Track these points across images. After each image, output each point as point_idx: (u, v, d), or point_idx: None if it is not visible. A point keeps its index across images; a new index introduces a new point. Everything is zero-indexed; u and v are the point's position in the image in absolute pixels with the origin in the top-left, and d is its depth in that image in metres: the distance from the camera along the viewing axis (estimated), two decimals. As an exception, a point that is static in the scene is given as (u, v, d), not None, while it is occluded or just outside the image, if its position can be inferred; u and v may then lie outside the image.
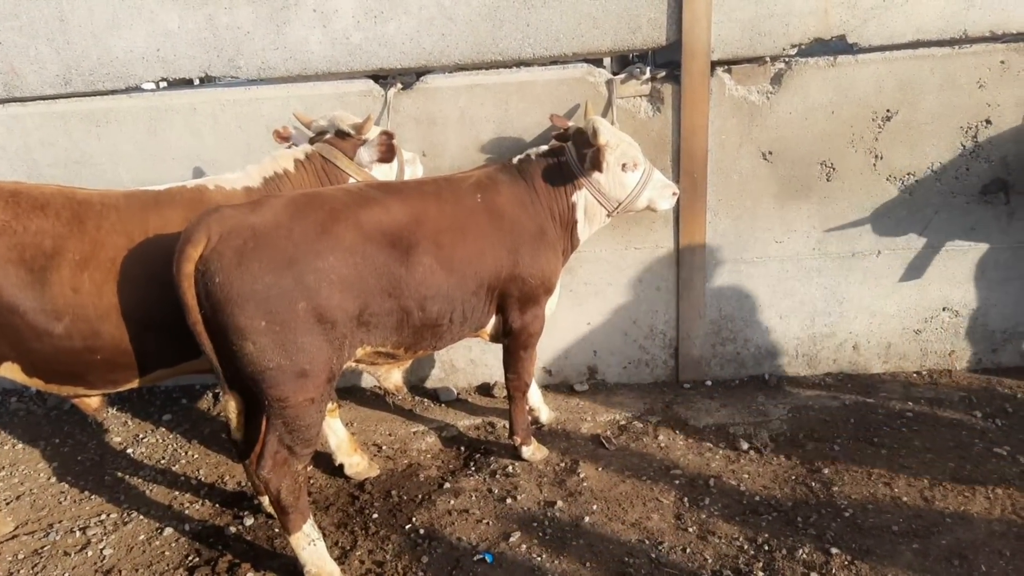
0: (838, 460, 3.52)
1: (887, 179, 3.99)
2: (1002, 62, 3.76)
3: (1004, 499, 3.15)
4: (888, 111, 3.86)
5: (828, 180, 4.00)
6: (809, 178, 4.01)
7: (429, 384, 4.56)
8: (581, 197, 3.43)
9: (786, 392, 4.24)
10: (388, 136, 3.29)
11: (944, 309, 4.23)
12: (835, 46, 3.79)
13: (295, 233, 2.63)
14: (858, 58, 3.79)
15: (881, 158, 3.95)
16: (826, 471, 3.44)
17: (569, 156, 3.39)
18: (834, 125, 3.90)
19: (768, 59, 3.83)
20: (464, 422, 4.13)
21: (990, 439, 3.61)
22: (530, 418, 3.86)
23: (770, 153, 3.97)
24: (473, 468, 3.66)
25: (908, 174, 3.97)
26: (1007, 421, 3.76)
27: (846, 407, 4.02)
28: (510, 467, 3.63)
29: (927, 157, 3.94)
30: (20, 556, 3.20)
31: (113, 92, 4.08)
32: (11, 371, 2.84)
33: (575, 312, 4.33)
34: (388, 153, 3.30)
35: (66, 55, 3.98)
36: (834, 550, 2.90)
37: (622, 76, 3.90)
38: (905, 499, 3.20)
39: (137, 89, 4.11)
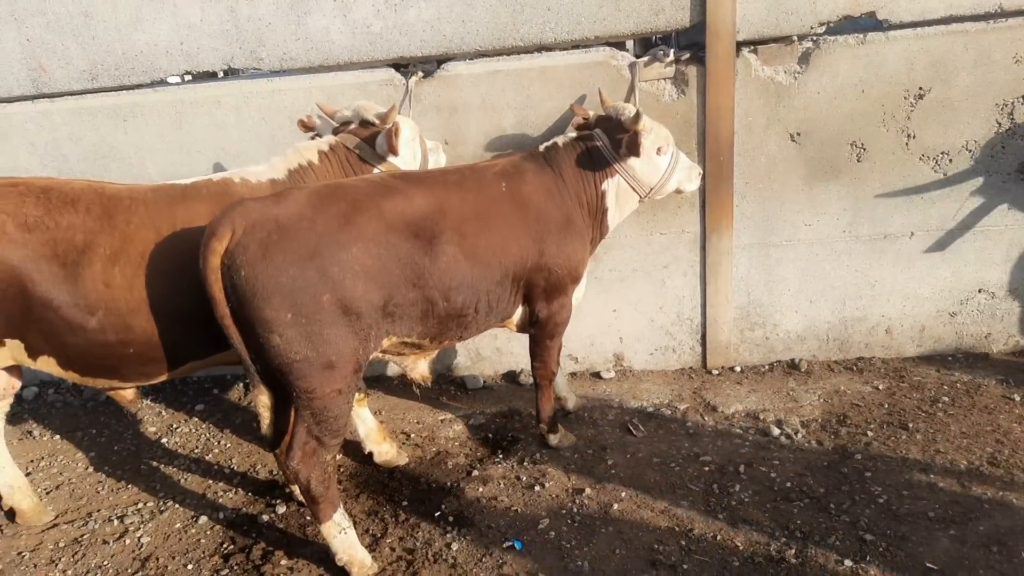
0: (871, 446, 3.47)
1: (920, 159, 3.89)
2: (1040, 35, 3.63)
3: (1044, 485, 3.08)
4: (920, 89, 3.76)
5: (859, 161, 3.92)
6: (839, 159, 3.92)
7: (456, 372, 4.58)
8: (613, 184, 3.39)
9: (817, 377, 4.18)
10: (394, 128, 3.25)
11: (980, 291, 4.13)
12: (865, 23, 3.70)
13: (318, 225, 2.64)
14: (888, 35, 3.69)
15: (914, 137, 3.85)
16: (859, 457, 3.38)
17: (601, 142, 3.35)
18: (864, 104, 3.81)
19: (795, 38, 3.74)
20: (491, 410, 4.13)
21: (1029, 423, 3.53)
22: (557, 406, 3.86)
23: (798, 134, 3.89)
24: (501, 456, 3.66)
25: (942, 153, 3.87)
26: (1046, 404, 3.67)
27: (879, 392, 3.95)
28: (537, 455, 3.63)
29: (961, 135, 3.83)
30: (61, 544, 3.27)
31: (139, 86, 4.13)
32: (48, 364, 2.89)
33: (601, 299, 4.30)
34: (392, 145, 3.26)
35: (92, 50, 4.03)
36: (868, 536, 2.86)
37: (645, 59, 3.84)
38: (941, 485, 3.14)
39: (162, 83, 4.16)
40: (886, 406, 3.79)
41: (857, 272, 4.13)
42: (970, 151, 3.86)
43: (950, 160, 3.88)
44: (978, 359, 4.20)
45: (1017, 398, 3.75)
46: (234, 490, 3.58)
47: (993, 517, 2.92)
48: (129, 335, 2.84)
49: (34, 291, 2.70)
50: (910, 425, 3.60)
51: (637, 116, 3.20)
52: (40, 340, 2.81)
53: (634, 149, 3.26)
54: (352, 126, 3.38)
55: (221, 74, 4.22)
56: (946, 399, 3.81)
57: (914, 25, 3.68)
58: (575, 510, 3.20)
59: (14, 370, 3.10)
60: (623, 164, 3.34)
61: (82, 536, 3.32)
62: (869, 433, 3.57)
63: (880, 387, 3.99)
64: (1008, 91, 3.74)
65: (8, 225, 2.69)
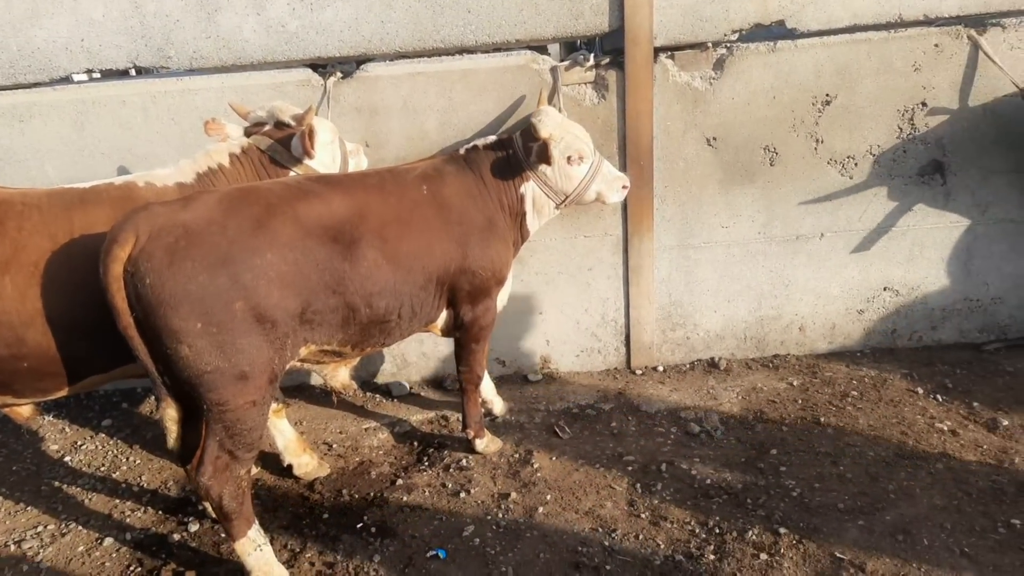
0: (786, 441, 3.58)
1: (828, 163, 4.06)
2: (936, 45, 3.84)
3: (945, 474, 3.24)
4: (827, 95, 3.92)
5: (771, 165, 4.05)
6: (753, 163, 4.05)
7: (380, 379, 4.49)
8: (529, 189, 3.39)
9: (736, 375, 4.30)
10: (309, 130, 3.15)
11: (885, 289, 4.33)
12: (775, 31, 3.82)
13: (229, 229, 2.54)
14: (797, 43, 3.84)
15: (822, 142, 4.01)
16: (774, 452, 3.49)
17: (516, 148, 3.35)
18: (776, 110, 3.94)
19: (710, 45, 3.84)
20: (417, 417, 4.08)
21: (932, 415, 3.71)
22: (484, 410, 3.83)
23: (714, 139, 4.00)
24: (426, 463, 3.61)
25: (848, 157, 4.04)
26: (948, 397, 3.87)
27: (793, 388, 4.09)
28: (464, 460, 3.60)
29: (866, 140, 4.01)
30: (-50, 574, 3.05)
31: (36, 85, 3.89)
32: (-69, 381, 2.69)
33: (527, 302, 4.30)
34: (307, 148, 3.16)
35: (-17, 47, 3.77)
36: (782, 530, 2.95)
37: (566, 63, 3.87)
38: (850, 476, 3.27)
39: (63, 82, 3.92)
40: (800, 402, 3.93)
41: (772, 272, 4.27)
42: (874, 155, 4.04)
43: (856, 164, 4.05)
44: (884, 354, 4.40)
45: (920, 391, 3.95)
46: (143, 509, 3.41)
47: (899, 507, 3.05)
48: (22, 349, 2.66)
49: (-86, 303, 2.50)
50: (822, 419, 3.73)
51: (538, 125, 3.20)
52: (-78, 355, 2.60)
53: (543, 157, 3.25)
54: (266, 127, 3.27)
55: (133, 72, 4.01)
56: (855, 393, 3.98)
57: (821, 34, 3.83)
58: (500, 516, 3.18)
59: None
60: (535, 171, 3.35)
61: (-25, 564, 3.10)
62: (784, 428, 3.69)
63: (794, 383, 4.13)
64: (908, 98, 3.94)
65: None
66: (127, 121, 3.90)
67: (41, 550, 3.16)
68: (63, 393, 2.90)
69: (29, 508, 3.47)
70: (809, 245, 4.22)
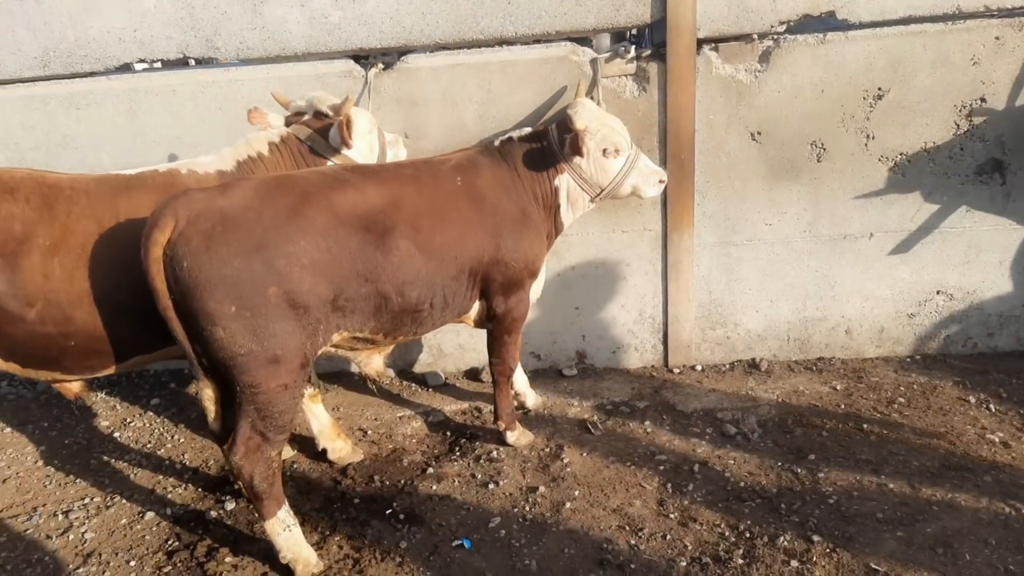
0: (826, 446, 3.47)
1: (879, 159, 3.91)
2: (997, 38, 3.65)
3: (993, 487, 3.09)
4: (880, 89, 3.77)
5: (819, 161, 3.92)
6: (799, 159, 3.93)
7: (417, 369, 4.54)
8: (563, 181, 3.36)
9: (776, 377, 4.19)
10: (347, 120, 3.19)
11: (939, 292, 4.16)
12: (825, 22, 3.69)
13: (265, 216, 2.59)
14: (848, 35, 3.70)
15: (873, 138, 3.86)
16: (812, 457, 3.39)
17: (551, 139, 3.33)
18: (824, 104, 3.82)
19: (756, 36, 3.73)
20: (451, 407, 4.10)
21: (983, 426, 3.55)
22: (516, 403, 3.83)
23: (759, 133, 3.89)
24: (458, 453, 3.63)
25: (900, 154, 3.89)
26: (1001, 407, 3.70)
27: (837, 392, 3.96)
28: (494, 452, 3.61)
29: (920, 137, 3.85)
30: (3, 539, 3.20)
31: (92, 74, 4.04)
32: (-12, 356, 2.83)
33: (563, 296, 4.28)
34: (345, 137, 3.19)
35: (44, 37, 3.93)
36: (816, 537, 2.86)
37: (607, 55, 3.82)
38: (892, 486, 3.15)
39: (117, 71, 4.07)
40: (843, 406, 3.81)
41: (817, 272, 4.14)
42: (928, 152, 3.87)
43: (909, 161, 3.89)
44: (935, 361, 4.23)
45: (972, 400, 3.78)
46: (184, 486, 3.52)
47: (941, 519, 2.93)
48: (70, 327, 2.77)
49: (-31, 281, 2.63)
50: (865, 426, 3.61)
51: (573, 117, 3.17)
52: (-22, 331, 2.74)
53: (576, 149, 3.20)
54: (306, 117, 3.33)
55: (193, 63, 4.13)
56: (902, 400, 3.83)
57: (873, 25, 3.68)
58: (527, 509, 3.17)
59: (-44, 362, 3.01)
60: (569, 163, 3.31)
61: (25, 531, 3.25)
62: (824, 433, 3.58)
63: (838, 387, 4.01)
64: (966, 93, 3.76)
65: (-57, 214, 2.62)
66: (177, 110, 4.02)
67: (87, 521, 3.29)
68: (110, 371, 3.01)
69: (78, 481, 3.63)
70: (857, 245, 4.07)
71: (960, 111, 3.79)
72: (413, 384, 4.42)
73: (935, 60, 3.70)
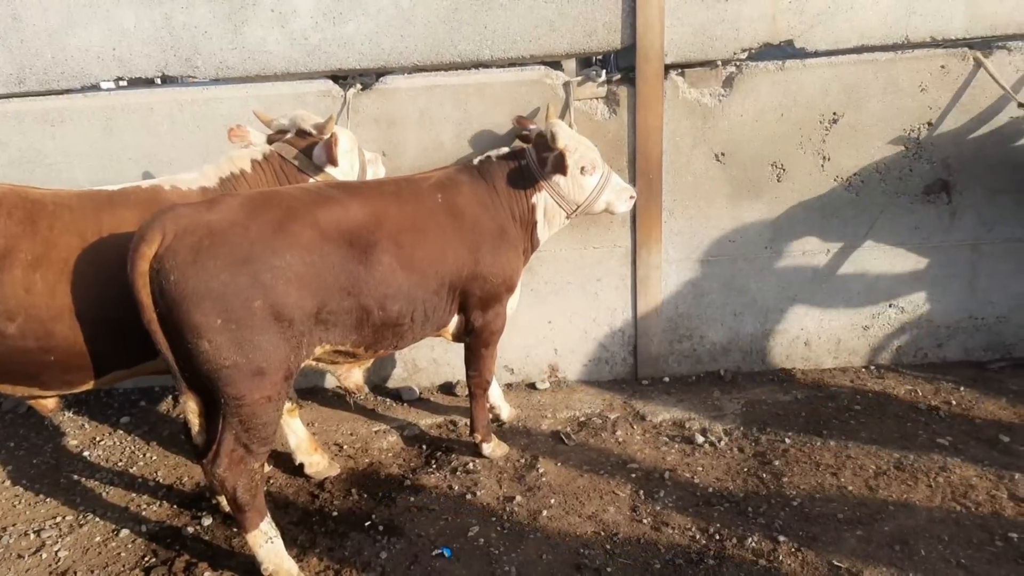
0: (788, 452, 3.63)
1: (835, 180, 4.13)
2: (942, 66, 3.91)
3: (944, 487, 3.28)
4: (835, 114, 4.00)
5: (779, 181, 4.13)
6: (760, 179, 4.13)
7: (391, 384, 4.58)
8: (541, 199, 3.48)
9: (740, 387, 4.35)
10: (332, 138, 3.28)
11: (891, 306, 4.38)
12: (784, 51, 3.91)
13: (251, 231, 2.64)
14: (805, 62, 3.92)
15: (829, 159, 4.09)
16: (776, 463, 3.54)
17: (529, 159, 3.45)
18: (784, 127, 4.03)
19: (720, 63, 3.93)
20: (426, 421, 4.16)
21: (933, 430, 3.75)
22: (491, 416, 3.91)
23: (723, 154, 4.08)
24: (434, 466, 3.69)
25: (854, 175, 4.12)
26: (950, 412, 3.91)
27: (798, 401, 4.14)
28: (471, 464, 3.68)
29: (872, 158, 4.08)
30: (-28, 560, 3.15)
31: (68, 91, 4.04)
32: (-38, 371, 2.80)
33: (536, 311, 4.39)
34: (331, 156, 3.29)
35: (19, 54, 3.93)
36: (782, 538, 3.00)
37: (579, 78, 3.97)
38: (851, 488, 3.32)
39: (93, 88, 4.07)
40: (804, 415, 3.98)
41: (778, 287, 4.34)
42: (880, 173, 4.11)
43: (862, 182, 4.12)
44: (889, 370, 4.44)
45: (923, 407, 3.99)
46: (158, 503, 3.51)
47: (897, 518, 3.10)
48: (50, 342, 2.77)
49: (-50, 296, 2.62)
50: (824, 432, 3.78)
51: (552, 136, 3.30)
52: (-45, 345, 2.72)
53: (558, 168, 3.36)
54: (288, 135, 3.39)
55: (159, 81, 4.16)
56: (858, 408, 4.02)
57: (829, 53, 3.91)
58: (505, 517, 3.25)
59: (-74, 378, 2.98)
60: (548, 181, 3.44)
61: (-5, 551, 3.21)
62: (787, 440, 3.73)
63: (799, 397, 4.18)
64: (915, 117, 4.01)
65: (-76, 228, 2.61)
66: (154, 127, 4.04)
67: (59, 539, 3.26)
68: (88, 387, 3.00)
69: (48, 500, 3.58)
70: (815, 260, 4.28)
71: (909, 134, 4.04)
72: (388, 399, 4.46)
73: (886, 87, 3.94)
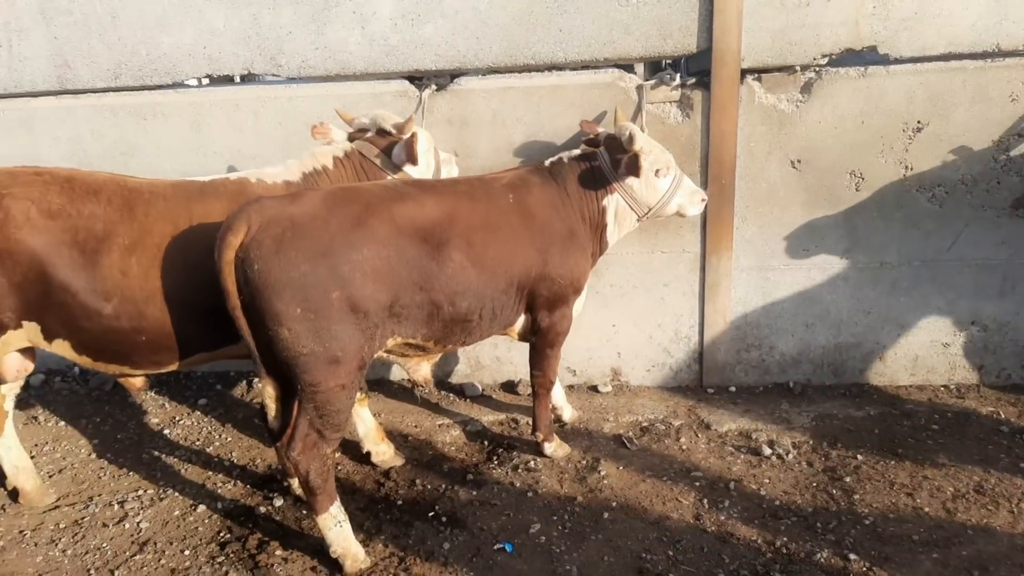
0: (860, 469, 3.52)
1: (917, 190, 3.99)
2: (1036, 75, 3.75)
3: (1028, 513, 3.14)
4: (919, 122, 3.87)
5: (857, 190, 4.02)
6: (838, 187, 4.03)
7: (454, 379, 4.65)
8: (612, 201, 3.49)
9: (811, 400, 4.24)
10: (412, 138, 3.36)
11: (973, 323, 4.20)
12: (866, 57, 3.81)
13: (331, 224, 2.74)
14: (889, 69, 3.81)
15: (911, 169, 3.95)
16: (848, 479, 3.44)
17: (602, 161, 3.46)
18: (864, 135, 3.92)
19: (798, 68, 3.86)
20: (488, 417, 4.20)
21: (1017, 454, 3.58)
22: (553, 416, 3.92)
23: (799, 161, 4.00)
24: (496, 462, 3.73)
25: (938, 186, 3.97)
26: (1035, 437, 3.73)
27: (871, 418, 4.01)
28: (532, 462, 3.70)
29: (958, 170, 3.93)
30: (61, 525, 3.34)
31: (160, 87, 4.26)
32: (62, 348, 2.98)
33: (601, 314, 4.38)
34: (412, 155, 3.37)
35: (117, 51, 4.16)
36: (852, 556, 2.92)
37: (652, 82, 3.96)
38: (927, 510, 3.20)
39: (182, 85, 4.28)
40: (877, 432, 3.86)
41: (853, 299, 4.22)
42: (966, 185, 3.95)
43: (946, 193, 3.98)
44: (970, 390, 4.26)
45: (1005, 429, 3.81)
46: (233, 482, 3.65)
47: (976, 543, 2.97)
48: (142, 323, 2.93)
49: (54, 276, 2.80)
50: (900, 451, 3.66)
51: (631, 137, 3.30)
52: (56, 323, 2.90)
53: (632, 170, 3.35)
54: (368, 134, 3.49)
55: (238, 79, 4.34)
56: (936, 427, 3.87)
57: (914, 60, 3.79)
58: (566, 517, 3.26)
59: (28, 353, 3.18)
60: (622, 183, 3.44)
61: (82, 519, 3.39)
62: (859, 457, 3.63)
63: (872, 413, 4.05)
64: (1004, 128, 3.85)
65: (32, 211, 2.80)
66: (239, 123, 4.22)
67: (141, 511, 3.43)
68: (173, 367, 3.16)
69: (131, 473, 3.77)
70: (894, 273, 4.15)
71: (998, 146, 3.87)
72: (451, 394, 4.53)
73: (974, 96, 3.80)
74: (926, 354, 4.29)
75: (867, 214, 4.06)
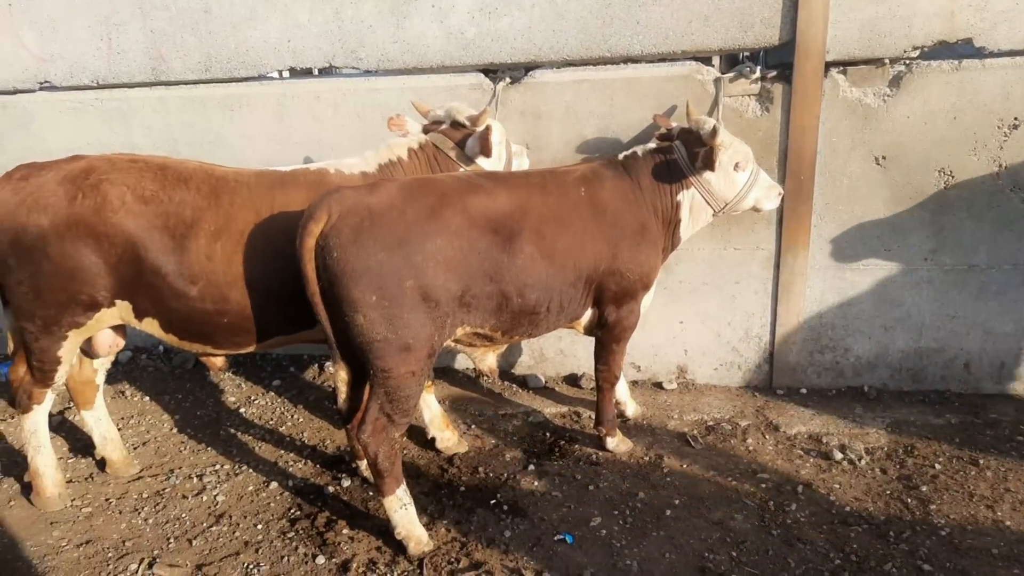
0: (938, 479, 3.39)
1: (1011, 190, 3.78)
2: None
3: (1123, 535, 2.96)
4: (1016, 119, 3.66)
5: (945, 188, 3.84)
6: (925, 185, 3.86)
7: (518, 371, 4.69)
8: (687, 196, 3.44)
9: (886, 406, 4.09)
10: (487, 130, 3.40)
11: (1068, 331, 3.97)
12: (958, 49, 3.63)
13: (407, 215, 2.81)
14: (985, 63, 3.62)
15: (1005, 168, 3.75)
16: (924, 488, 3.32)
17: (679, 154, 3.41)
18: (955, 131, 3.74)
19: (887, 61, 3.71)
20: (550, 410, 4.22)
21: (1112, 472, 3.39)
22: (616, 411, 3.91)
23: (883, 158, 3.85)
24: (558, 454, 3.75)
25: (1035, 186, 3.76)
26: None
27: (951, 426, 3.84)
28: (594, 456, 3.70)
29: (1058, 169, 3.72)
30: (144, 495, 3.54)
31: (246, 79, 4.42)
32: (151, 326, 3.16)
33: (668, 310, 4.33)
34: (486, 147, 3.41)
35: (208, 44, 4.35)
36: (926, 567, 2.82)
37: (731, 75, 3.88)
38: (1008, 523, 3.06)
39: (266, 77, 4.44)
40: (957, 440, 3.70)
41: (937, 302, 4.04)
42: (1066, 186, 3.73)
43: (1044, 194, 3.76)
44: (1062, 402, 4.04)
45: (1101, 445, 3.60)
46: (303, 461, 3.79)
47: (1064, 562, 2.83)
48: (225, 306, 3.08)
49: (146, 258, 2.97)
50: (981, 461, 3.50)
51: (714, 131, 3.24)
52: (147, 303, 3.07)
53: (710, 163, 3.29)
54: (443, 126, 3.54)
55: (316, 72, 4.48)
56: (1021, 438, 3.68)
57: (1012, 54, 3.59)
58: (627, 512, 3.25)
59: (120, 330, 3.38)
60: (699, 177, 3.38)
61: (164, 489, 3.58)
62: (937, 466, 3.49)
63: (953, 421, 3.88)
64: (1112, 126, 3.61)
65: (128, 197, 2.96)
66: (319, 114, 4.35)
67: (218, 485, 3.60)
68: (251, 349, 3.31)
69: (209, 449, 3.96)
70: (982, 277, 3.95)
71: (1104, 144, 3.64)
72: (514, 385, 4.57)
73: (1078, 91, 3.57)
74: (1014, 362, 4.07)
75: (955, 214, 3.88)
